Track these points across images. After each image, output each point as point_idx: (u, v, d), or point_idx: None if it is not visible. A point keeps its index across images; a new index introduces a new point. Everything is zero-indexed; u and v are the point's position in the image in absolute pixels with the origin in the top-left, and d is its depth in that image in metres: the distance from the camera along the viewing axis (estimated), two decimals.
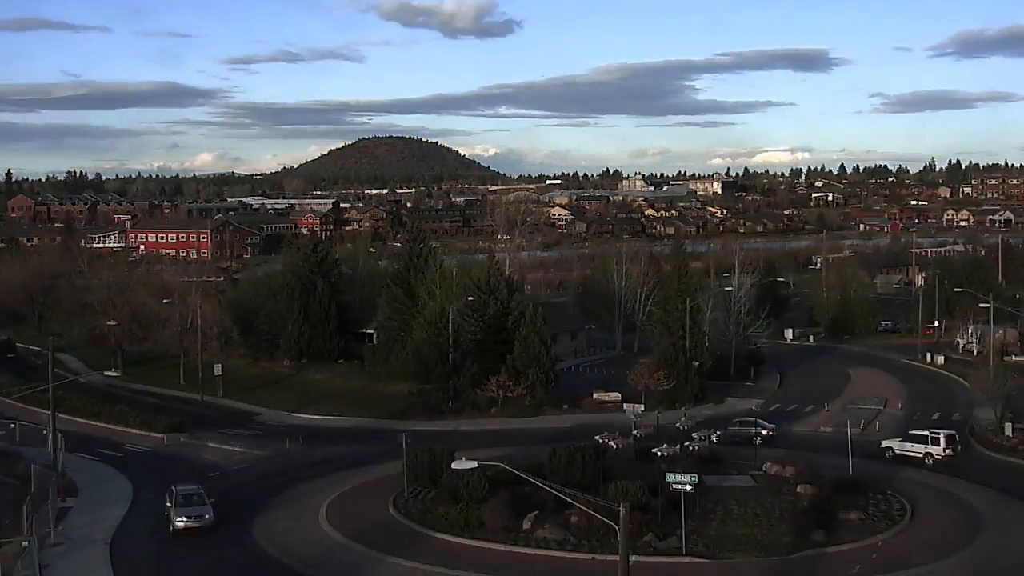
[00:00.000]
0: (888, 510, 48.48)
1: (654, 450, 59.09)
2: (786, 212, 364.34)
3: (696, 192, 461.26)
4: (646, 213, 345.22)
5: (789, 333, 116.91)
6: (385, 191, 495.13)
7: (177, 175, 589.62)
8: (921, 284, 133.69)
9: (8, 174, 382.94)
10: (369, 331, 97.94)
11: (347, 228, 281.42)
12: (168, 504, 48.02)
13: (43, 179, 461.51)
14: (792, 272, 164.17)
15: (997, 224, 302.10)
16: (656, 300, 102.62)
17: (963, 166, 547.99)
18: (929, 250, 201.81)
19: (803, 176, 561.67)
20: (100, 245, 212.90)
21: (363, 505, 50.98)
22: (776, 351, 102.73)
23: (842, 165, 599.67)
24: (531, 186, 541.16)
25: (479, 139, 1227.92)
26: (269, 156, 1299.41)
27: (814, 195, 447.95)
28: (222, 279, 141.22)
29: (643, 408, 68.07)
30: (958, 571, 41.43)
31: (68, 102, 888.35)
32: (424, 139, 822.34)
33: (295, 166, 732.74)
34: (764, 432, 64.26)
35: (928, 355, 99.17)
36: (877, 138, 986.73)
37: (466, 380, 76.54)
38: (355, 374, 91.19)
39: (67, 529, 46.98)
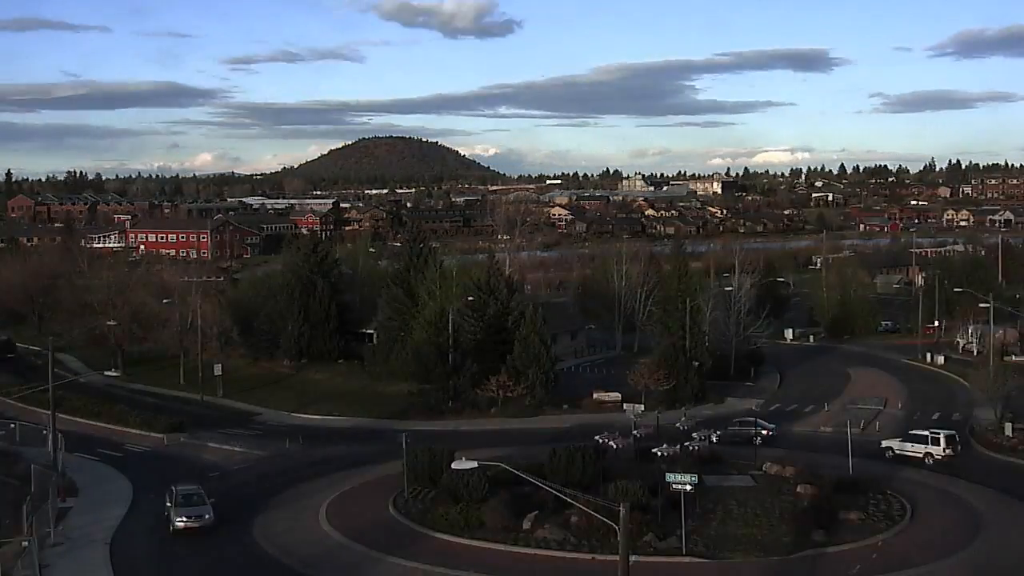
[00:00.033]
0: (888, 510, 48.48)
1: (654, 450, 59.08)
2: (786, 212, 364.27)
3: (696, 192, 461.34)
4: (646, 213, 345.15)
5: (789, 333, 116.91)
6: (385, 191, 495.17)
7: (177, 175, 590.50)
8: (921, 284, 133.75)
9: (8, 174, 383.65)
10: (369, 331, 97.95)
11: (347, 228, 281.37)
12: (168, 504, 47.94)
13: (43, 179, 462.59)
14: (792, 272, 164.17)
15: (997, 224, 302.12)
16: (656, 300, 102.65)
17: (963, 166, 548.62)
18: (929, 250, 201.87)
19: (803, 176, 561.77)
20: (100, 245, 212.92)
21: (363, 505, 50.98)
22: (776, 351, 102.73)
23: (842, 165, 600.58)
24: (531, 186, 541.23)
25: (479, 139, 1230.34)
26: (269, 156, 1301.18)
27: (814, 195, 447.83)
28: (222, 279, 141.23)
29: (643, 408, 68.08)
30: (958, 571, 41.43)
31: (68, 102, 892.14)
32: (424, 139, 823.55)
33: (295, 166, 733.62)
34: (764, 432, 64.26)
35: (928, 355, 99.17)
36: (877, 138, 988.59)
37: (466, 380, 76.54)
38: (355, 374, 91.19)
39: (67, 529, 46.97)
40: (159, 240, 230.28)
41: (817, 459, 57.62)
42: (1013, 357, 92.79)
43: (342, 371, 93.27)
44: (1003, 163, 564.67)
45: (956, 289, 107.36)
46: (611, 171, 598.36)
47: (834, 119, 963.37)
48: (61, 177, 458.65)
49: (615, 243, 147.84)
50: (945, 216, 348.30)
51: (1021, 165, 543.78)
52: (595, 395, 79.37)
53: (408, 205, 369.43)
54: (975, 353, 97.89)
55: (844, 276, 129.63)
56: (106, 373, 72.02)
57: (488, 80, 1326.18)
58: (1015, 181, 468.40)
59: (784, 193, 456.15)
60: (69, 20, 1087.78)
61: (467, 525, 45.47)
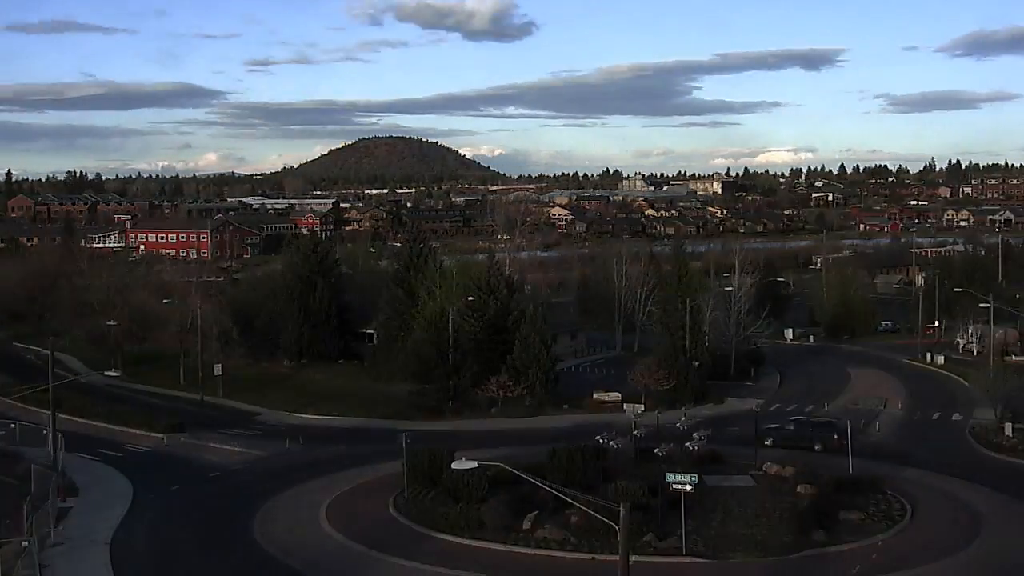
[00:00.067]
0: (888, 510, 48.44)
1: (654, 450, 59.03)
2: (786, 212, 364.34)
3: (696, 192, 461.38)
4: (646, 213, 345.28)
5: (789, 333, 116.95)
6: (385, 191, 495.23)
7: (177, 175, 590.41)
8: (921, 284, 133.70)
9: (8, 174, 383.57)
10: (369, 331, 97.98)
11: (347, 228, 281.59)
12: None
13: (43, 179, 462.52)
14: (792, 272, 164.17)
15: (997, 224, 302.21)
16: (656, 300, 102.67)
17: (963, 166, 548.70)
18: (929, 250, 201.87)
19: (803, 176, 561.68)
20: (100, 245, 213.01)
21: (363, 505, 50.96)
22: (776, 351, 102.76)
23: (842, 165, 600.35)
24: (531, 186, 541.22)
25: (484, 139, 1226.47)
26: (275, 156, 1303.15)
27: (814, 195, 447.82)
28: (222, 279, 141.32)
29: (643, 408, 68.06)
30: (958, 571, 41.41)
31: (82, 102, 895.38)
32: (424, 139, 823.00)
33: (295, 166, 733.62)
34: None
35: (928, 355, 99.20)
36: (882, 138, 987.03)
37: (466, 380, 76.54)
38: (355, 374, 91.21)
39: (67, 529, 46.95)
40: (159, 240, 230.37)
41: (817, 459, 57.62)
42: (1013, 357, 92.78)
43: (342, 371, 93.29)
44: (1003, 163, 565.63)
45: (956, 289, 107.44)
46: (611, 171, 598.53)
47: (838, 119, 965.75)
48: (61, 177, 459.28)
49: (615, 243, 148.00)
50: (945, 216, 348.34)
51: (1021, 165, 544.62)
52: (595, 395, 79.37)
53: (408, 205, 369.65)
54: (975, 353, 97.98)
55: (844, 276, 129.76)
56: (106, 373, 71.81)
57: (498, 81, 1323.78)
58: (1015, 181, 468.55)
59: (784, 193, 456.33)
60: (101, 23, 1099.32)
61: (467, 525, 45.44)
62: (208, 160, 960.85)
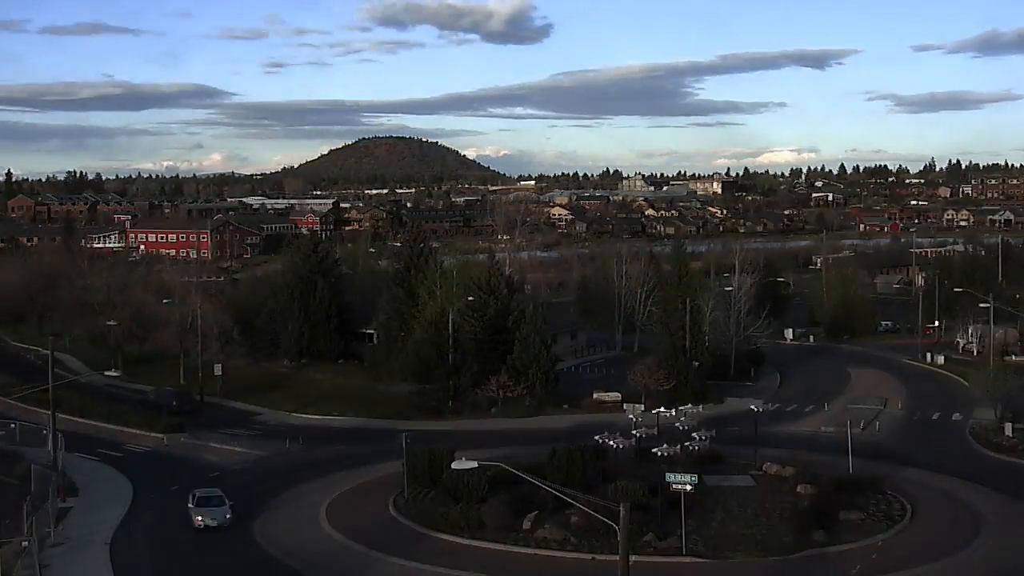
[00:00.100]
0: (888, 510, 48.47)
1: (654, 450, 59.02)
2: (786, 212, 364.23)
3: (696, 192, 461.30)
4: (646, 213, 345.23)
5: (789, 333, 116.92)
6: (385, 191, 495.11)
7: (178, 175, 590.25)
8: (921, 284, 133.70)
9: (8, 174, 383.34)
10: (369, 331, 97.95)
11: (347, 228, 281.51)
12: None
13: (43, 179, 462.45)
14: (792, 272, 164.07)
15: (997, 224, 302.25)
16: (656, 300, 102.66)
17: (963, 166, 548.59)
18: (929, 250, 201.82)
19: (803, 176, 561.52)
20: (100, 245, 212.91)
21: (363, 505, 50.99)
22: (776, 351, 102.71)
23: (842, 165, 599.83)
24: (531, 185, 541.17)
25: (489, 140, 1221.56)
26: (279, 156, 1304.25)
27: (814, 195, 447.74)
28: (222, 279, 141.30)
29: (643, 408, 68.07)
30: (958, 571, 41.44)
31: (87, 103, 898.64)
32: (424, 139, 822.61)
33: (295, 166, 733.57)
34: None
35: (928, 355, 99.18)
36: (887, 139, 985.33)
37: (466, 380, 76.53)
38: (355, 374, 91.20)
39: (67, 529, 46.98)
40: (159, 240, 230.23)
41: (817, 459, 57.64)
42: (1013, 357, 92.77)
43: (342, 371, 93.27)
44: (1003, 163, 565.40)
45: (956, 289, 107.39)
46: (611, 171, 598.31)
47: (844, 120, 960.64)
48: (62, 177, 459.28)
49: (615, 243, 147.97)
50: (945, 216, 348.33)
51: (1021, 165, 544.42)
52: (595, 395, 79.37)
53: (408, 205, 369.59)
54: (975, 353, 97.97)
55: (844, 276, 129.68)
56: (106, 373, 72.01)
57: (507, 82, 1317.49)
58: (1015, 181, 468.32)
59: (784, 193, 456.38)
60: (129, 25, 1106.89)
61: (467, 525, 45.46)
62: (213, 160, 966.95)
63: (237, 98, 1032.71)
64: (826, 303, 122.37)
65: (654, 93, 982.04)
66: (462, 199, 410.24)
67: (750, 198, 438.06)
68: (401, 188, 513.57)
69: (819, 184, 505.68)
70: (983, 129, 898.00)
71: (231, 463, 61.76)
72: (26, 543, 41.88)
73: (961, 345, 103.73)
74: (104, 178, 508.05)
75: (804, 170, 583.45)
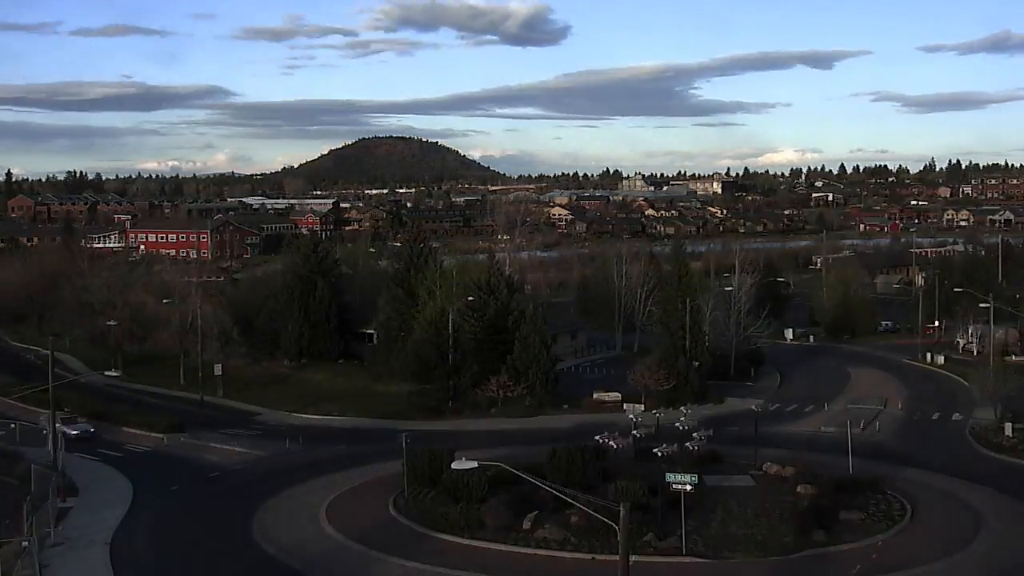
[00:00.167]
0: (888, 510, 48.46)
1: (654, 450, 59.05)
2: (786, 212, 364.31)
3: (696, 192, 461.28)
4: (646, 213, 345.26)
5: (789, 333, 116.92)
6: (385, 191, 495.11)
7: (178, 175, 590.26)
8: (921, 284, 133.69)
9: (8, 174, 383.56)
10: (369, 331, 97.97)
11: (347, 228, 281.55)
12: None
13: (43, 179, 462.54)
14: (792, 272, 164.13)
15: (997, 224, 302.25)
16: (656, 300, 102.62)
17: (963, 166, 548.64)
18: (929, 250, 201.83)
19: (803, 176, 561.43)
20: (100, 245, 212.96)
21: (363, 505, 50.99)
22: (776, 351, 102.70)
23: (842, 165, 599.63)
24: (531, 186, 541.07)
25: (493, 140, 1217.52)
26: (285, 156, 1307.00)
27: (814, 195, 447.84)
28: (222, 279, 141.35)
29: (643, 408, 68.08)
30: (958, 571, 41.43)
31: (97, 104, 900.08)
32: (424, 139, 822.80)
33: (295, 166, 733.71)
34: None
35: (928, 355, 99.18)
36: (892, 139, 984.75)
37: (466, 380, 76.54)
38: (355, 374, 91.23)
39: (67, 529, 46.98)
40: (159, 240, 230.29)
41: (817, 459, 57.60)
42: (1013, 357, 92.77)
43: (342, 371, 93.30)
44: (1003, 163, 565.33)
45: (956, 289, 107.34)
46: (611, 171, 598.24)
47: (849, 120, 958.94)
48: (62, 177, 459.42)
49: (615, 243, 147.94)
50: (945, 216, 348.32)
51: (1021, 165, 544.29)
52: (595, 395, 79.36)
53: (408, 205, 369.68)
54: (975, 353, 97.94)
55: (844, 276, 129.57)
56: (106, 373, 72.11)
57: (514, 82, 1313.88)
58: (1015, 181, 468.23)
59: (784, 193, 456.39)
60: (158, 27, 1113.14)
61: (467, 525, 45.45)
62: (218, 160, 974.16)
63: (245, 98, 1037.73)
64: (826, 303, 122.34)
65: (661, 94, 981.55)
66: (462, 199, 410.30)
67: (750, 198, 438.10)
68: (401, 188, 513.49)
69: (819, 184, 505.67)
70: (989, 129, 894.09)
71: (231, 463, 61.76)
72: (26, 543, 41.88)
73: (961, 345, 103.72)
74: (104, 178, 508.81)
75: (804, 170, 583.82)
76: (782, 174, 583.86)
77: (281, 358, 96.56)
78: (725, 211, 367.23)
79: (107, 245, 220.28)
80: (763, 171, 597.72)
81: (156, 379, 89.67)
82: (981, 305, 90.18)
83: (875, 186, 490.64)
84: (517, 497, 46.44)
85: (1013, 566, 42.13)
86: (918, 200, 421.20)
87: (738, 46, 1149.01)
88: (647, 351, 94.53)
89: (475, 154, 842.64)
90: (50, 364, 60.90)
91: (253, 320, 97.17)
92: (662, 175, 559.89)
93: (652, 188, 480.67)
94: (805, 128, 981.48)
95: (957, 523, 47.43)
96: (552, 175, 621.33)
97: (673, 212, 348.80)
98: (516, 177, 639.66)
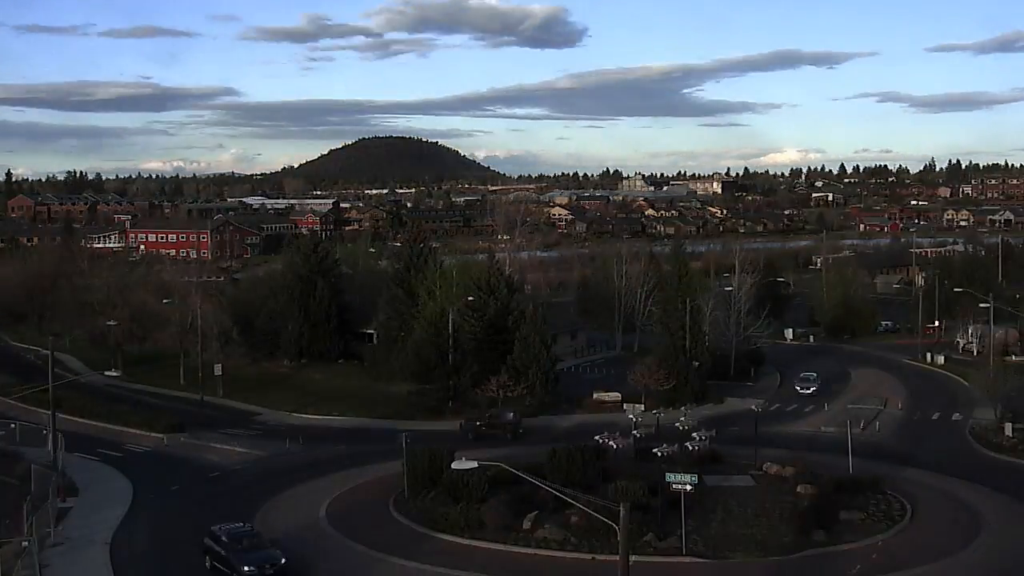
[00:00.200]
0: (888, 510, 48.48)
1: (654, 450, 59.07)
2: (786, 212, 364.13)
3: (696, 192, 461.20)
4: (646, 213, 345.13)
5: (789, 333, 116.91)
6: (385, 191, 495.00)
7: (178, 175, 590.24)
8: (921, 284, 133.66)
9: (8, 174, 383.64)
10: (369, 331, 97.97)
11: (347, 228, 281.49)
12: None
13: (43, 179, 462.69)
14: (792, 272, 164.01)
15: (997, 224, 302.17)
16: (656, 300, 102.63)
17: (963, 166, 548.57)
18: (929, 250, 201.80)
19: (803, 176, 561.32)
20: (100, 245, 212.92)
21: (363, 505, 50.99)
22: (776, 351, 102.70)
23: (842, 165, 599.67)
24: (531, 186, 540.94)
25: (496, 140, 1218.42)
26: (290, 156, 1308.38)
27: (814, 195, 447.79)
28: (222, 279, 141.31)
29: (643, 408, 68.07)
30: (958, 571, 41.44)
31: (108, 104, 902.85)
32: (424, 139, 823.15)
33: (295, 166, 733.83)
34: None
35: (928, 355, 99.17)
36: (896, 139, 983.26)
37: (466, 380, 76.52)
38: (355, 374, 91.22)
39: (67, 529, 47.00)
40: (159, 240, 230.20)
41: (817, 459, 57.60)
42: (1013, 357, 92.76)
43: (342, 371, 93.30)
44: (1003, 163, 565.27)
45: (956, 289, 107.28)
46: (611, 171, 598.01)
47: (854, 120, 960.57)
48: (62, 177, 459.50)
49: (615, 243, 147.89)
50: (945, 216, 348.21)
51: (1021, 165, 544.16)
52: (595, 395, 79.37)
53: (408, 205, 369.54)
54: (975, 353, 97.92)
55: (844, 276, 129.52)
56: (106, 373, 72.14)
57: (519, 82, 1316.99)
58: (1015, 181, 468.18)
59: (784, 193, 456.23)
60: (183, 28, 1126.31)
61: (467, 525, 45.47)
62: (223, 160, 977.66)
63: (256, 98, 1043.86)
64: (826, 303, 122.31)
65: (668, 94, 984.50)
66: (462, 199, 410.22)
67: (750, 198, 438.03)
68: (401, 188, 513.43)
69: (819, 184, 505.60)
70: (992, 129, 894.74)
71: (231, 463, 61.78)
72: (26, 543, 41.89)
73: (961, 345, 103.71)
74: (104, 178, 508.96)
75: (804, 170, 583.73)
76: (782, 174, 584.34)
77: (281, 358, 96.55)
78: (725, 211, 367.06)
79: (107, 245, 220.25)
80: (763, 171, 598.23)
81: (156, 379, 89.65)
82: (981, 305, 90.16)
83: (875, 186, 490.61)
84: (517, 497, 46.45)
85: (1013, 566, 42.14)
86: (918, 200, 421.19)
87: (748, 47, 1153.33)
88: (647, 351, 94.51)
89: (480, 154, 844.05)
90: (50, 364, 60.97)
91: (253, 320, 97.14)
92: (662, 175, 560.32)
93: (652, 188, 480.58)
94: (809, 128, 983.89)
95: (957, 523, 47.45)
96: (552, 175, 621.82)
97: (673, 212, 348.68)
98: (516, 177, 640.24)
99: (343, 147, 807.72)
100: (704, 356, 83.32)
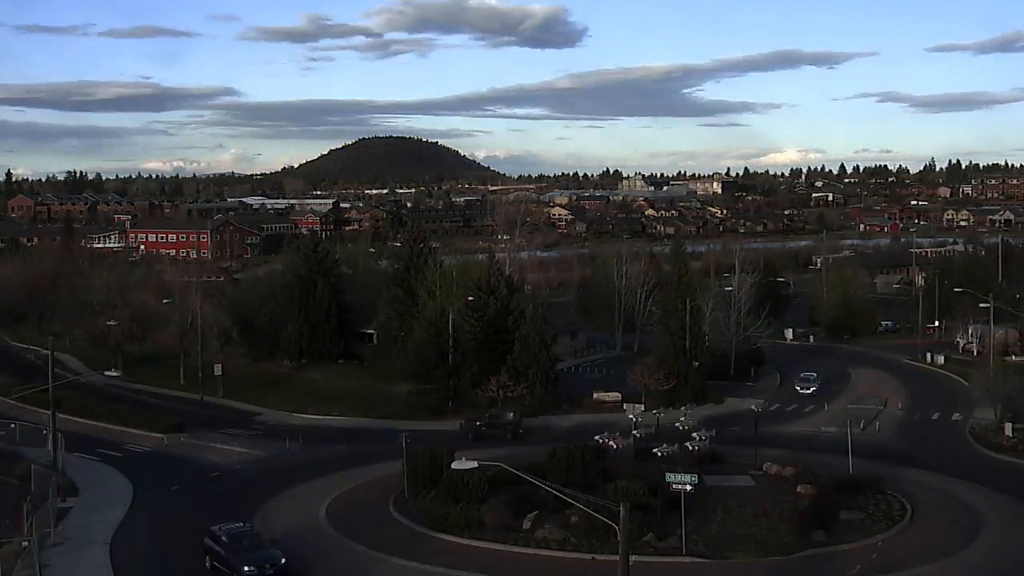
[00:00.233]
0: (888, 510, 48.49)
1: (654, 450, 59.07)
2: (786, 212, 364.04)
3: (696, 192, 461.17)
4: (646, 213, 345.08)
5: (789, 333, 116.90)
6: (385, 191, 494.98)
7: (177, 175, 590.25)
8: (921, 284, 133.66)
9: (8, 174, 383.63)
10: (369, 331, 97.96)
11: (347, 228, 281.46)
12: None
13: (43, 179, 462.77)
14: (792, 272, 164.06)
15: (997, 224, 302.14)
16: (656, 300, 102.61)
17: (963, 166, 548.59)
18: (929, 250, 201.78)
19: (803, 176, 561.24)
20: (100, 245, 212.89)
21: (363, 505, 51.00)
22: (776, 351, 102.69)
23: (842, 165, 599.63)
24: (531, 186, 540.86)
25: (497, 140, 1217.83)
26: (291, 156, 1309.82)
27: (814, 195, 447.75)
28: (222, 279, 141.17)
29: (643, 408, 68.06)
30: (958, 571, 41.44)
31: (109, 105, 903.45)
32: (424, 139, 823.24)
33: (295, 166, 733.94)
34: None
35: (928, 355, 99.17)
36: (897, 140, 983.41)
37: (466, 380, 76.51)
38: (355, 374, 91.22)
39: (67, 529, 47.01)
40: (159, 240, 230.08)
41: (817, 459, 57.60)
42: (1013, 357, 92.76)
43: (342, 371, 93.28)
44: (1003, 163, 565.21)
45: (956, 289, 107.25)
46: (611, 171, 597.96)
47: (854, 120, 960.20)
48: (61, 177, 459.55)
49: (615, 243, 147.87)
50: (945, 216, 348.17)
51: (1021, 165, 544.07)
52: (595, 395, 79.38)
53: (408, 205, 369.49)
54: (975, 353, 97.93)
55: (844, 276, 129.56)
56: (106, 373, 72.21)
57: (522, 82, 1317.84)
58: (1015, 181, 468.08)
59: (784, 193, 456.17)
60: (183, 28, 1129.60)
61: (467, 525, 45.47)
62: (224, 160, 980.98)
63: (256, 98, 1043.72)
64: (826, 303, 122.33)
65: (669, 94, 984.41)
66: (462, 199, 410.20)
67: (750, 198, 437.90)
68: (401, 188, 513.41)
69: (819, 184, 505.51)
70: (993, 129, 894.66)
71: (231, 463, 61.78)
72: (26, 543, 41.88)
73: (961, 345, 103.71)
74: (104, 178, 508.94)
75: (804, 170, 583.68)
76: (782, 174, 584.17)
77: (281, 358, 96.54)
78: (725, 211, 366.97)
79: (107, 245, 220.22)
80: (763, 171, 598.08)
81: (156, 379, 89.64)
82: (981, 305, 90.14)
83: (875, 186, 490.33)
84: (517, 497, 46.45)
85: (1013, 566, 42.14)
86: (918, 200, 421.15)
87: (748, 47, 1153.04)
88: (647, 351, 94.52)
89: (480, 155, 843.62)
90: (50, 364, 60.96)
91: (253, 320, 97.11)
92: (662, 175, 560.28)
93: (652, 188, 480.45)
94: (809, 128, 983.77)
95: (957, 523, 47.46)
96: (552, 175, 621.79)
97: (673, 212, 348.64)
98: (516, 177, 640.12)
99: (343, 147, 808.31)
100: (704, 356, 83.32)
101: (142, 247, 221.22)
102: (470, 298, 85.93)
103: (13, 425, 66.59)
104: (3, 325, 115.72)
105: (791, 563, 41.86)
